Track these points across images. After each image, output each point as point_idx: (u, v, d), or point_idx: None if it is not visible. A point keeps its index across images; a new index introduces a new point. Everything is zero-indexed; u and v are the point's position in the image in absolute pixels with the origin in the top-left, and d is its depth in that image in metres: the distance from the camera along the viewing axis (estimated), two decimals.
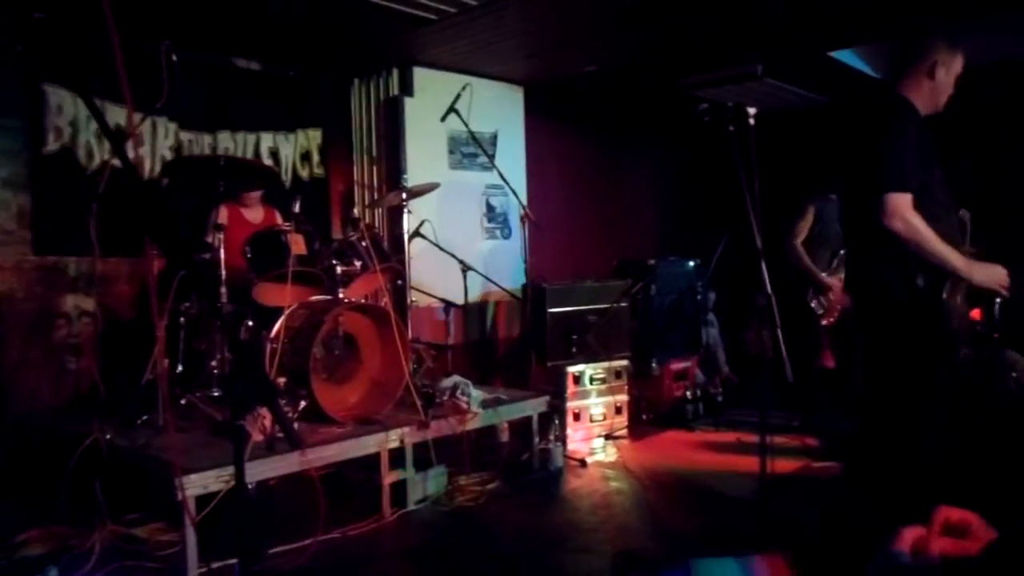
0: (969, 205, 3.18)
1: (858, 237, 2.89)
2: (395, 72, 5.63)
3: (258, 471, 3.15)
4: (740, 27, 4.94)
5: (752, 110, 3.22)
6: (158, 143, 4.88)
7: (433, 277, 5.11)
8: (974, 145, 5.14)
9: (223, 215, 4.23)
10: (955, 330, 2.72)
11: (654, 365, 5.59)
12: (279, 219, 4.57)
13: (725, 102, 3.30)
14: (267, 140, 5.46)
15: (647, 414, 5.55)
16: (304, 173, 5.68)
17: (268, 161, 5.41)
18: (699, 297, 5.97)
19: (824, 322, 4.87)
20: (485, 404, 4.16)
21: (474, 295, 5.55)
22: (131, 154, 4.58)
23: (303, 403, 3.62)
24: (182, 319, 3.91)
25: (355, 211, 4.98)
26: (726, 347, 6.30)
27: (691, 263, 6.05)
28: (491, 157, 5.72)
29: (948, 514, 0.97)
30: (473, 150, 5.80)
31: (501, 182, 5.28)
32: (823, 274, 4.86)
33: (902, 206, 2.57)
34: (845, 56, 5.65)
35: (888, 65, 5.71)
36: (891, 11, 4.57)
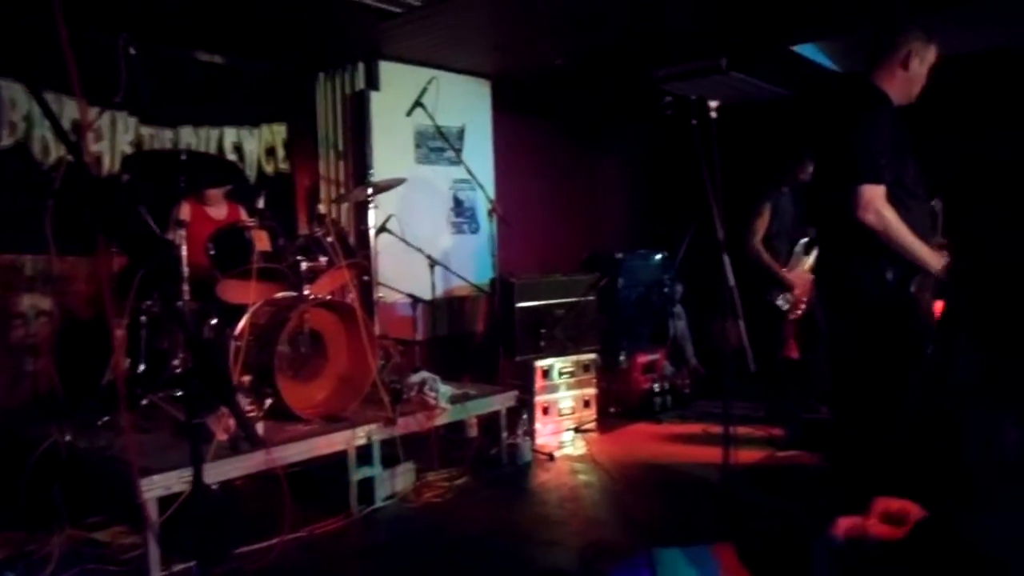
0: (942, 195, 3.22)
1: (829, 229, 2.89)
2: (360, 66, 5.57)
3: (222, 470, 3.12)
4: (706, 22, 4.97)
5: (714, 103, 3.25)
6: (117, 138, 4.78)
7: (400, 272, 5.08)
8: (946, 136, 5.20)
9: (185, 211, 4.17)
10: (923, 325, 2.74)
11: (622, 358, 5.62)
12: (243, 215, 4.51)
13: (690, 95, 3.33)
14: (231, 135, 5.38)
15: (615, 407, 5.58)
16: (269, 168, 5.61)
17: (232, 156, 5.33)
18: (666, 290, 6.01)
19: (791, 316, 4.93)
20: (453, 399, 4.16)
21: (442, 290, 5.53)
22: (89, 149, 4.50)
23: (269, 401, 3.58)
24: (143, 318, 3.84)
25: (321, 206, 4.91)
26: (694, 339, 6.36)
27: (658, 256, 6.10)
28: (458, 151, 5.70)
29: (888, 504, 1.02)
30: (440, 144, 5.78)
31: (468, 176, 5.27)
32: (784, 270, 4.92)
33: (875, 198, 2.56)
34: (808, 51, 5.72)
35: (849, 59, 5.83)
36: (853, 7, 4.64)
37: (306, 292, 3.91)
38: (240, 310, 3.76)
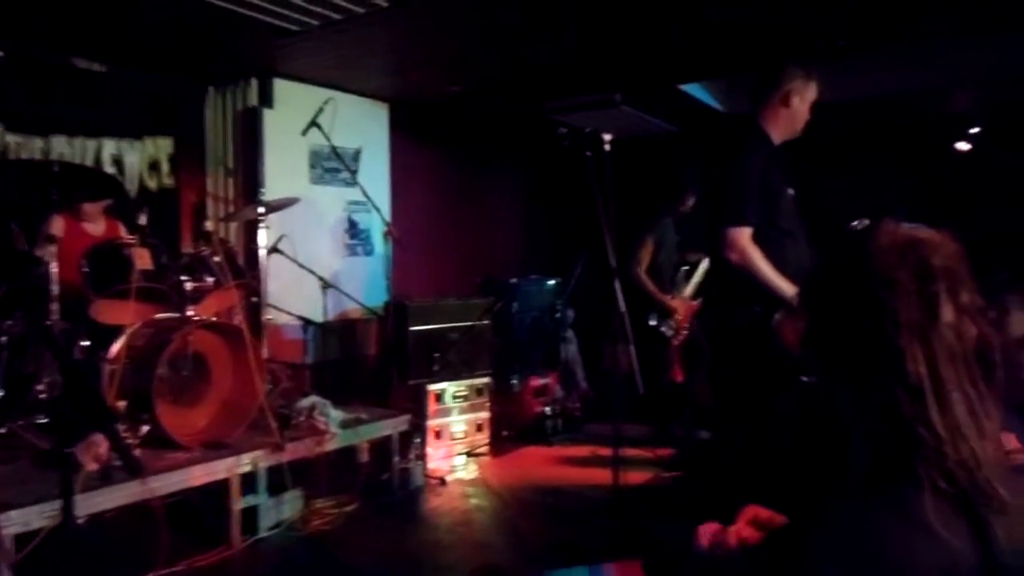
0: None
1: (712, 261, 3.08)
2: (254, 82, 5.43)
3: (92, 503, 2.92)
4: (597, 58, 5.16)
5: (608, 136, 3.38)
6: None
7: (291, 294, 4.95)
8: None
9: (58, 226, 3.91)
10: (788, 356, 2.91)
11: (515, 382, 5.67)
12: (123, 232, 4.28)
13: (585, 127, 3.45)
14: (110, 147, 5.09)
15: (508, 430, 5.61)
16: (152, 183, 5.34)
17: (111, 169, 5.05)
18: (558, 315, 6.12)
19: (675, 342, 5.13)
20: (344, 424, 4.07)
21: (334, 313, 5.42)
22: None
23: (146, 428, 3.39)
24: (3, 338, 3.56)
25: (208, 224, 4.72)
26: (584, 363, 6.50)
27: (551, 282, 6.21)
28: (354, 173, 5.63)
29: (757, 512, 1.07)
30: (335, 165, 5.69)
31: (364, 198, 5.21)
32: (667, 297, 5.14)
33: (740, 239, 2.75)
34: (693, 89, 6.04)
35: (731, 98, 6.19)
36: (734, 53, 4.95)
37: (190, 313, 3.75)
38: (115, 331, 3.56)
